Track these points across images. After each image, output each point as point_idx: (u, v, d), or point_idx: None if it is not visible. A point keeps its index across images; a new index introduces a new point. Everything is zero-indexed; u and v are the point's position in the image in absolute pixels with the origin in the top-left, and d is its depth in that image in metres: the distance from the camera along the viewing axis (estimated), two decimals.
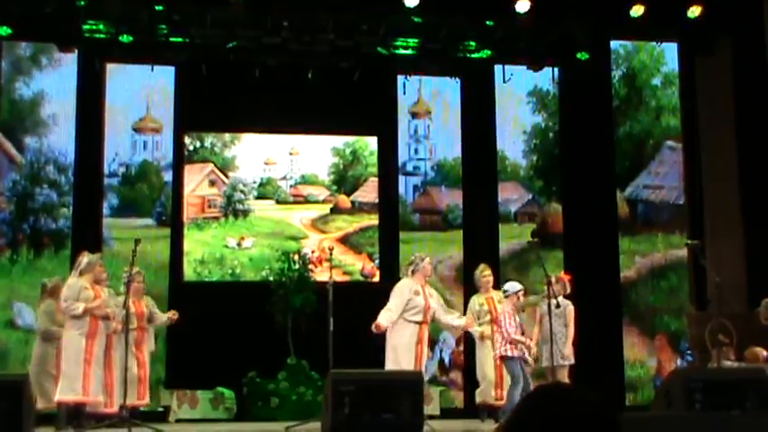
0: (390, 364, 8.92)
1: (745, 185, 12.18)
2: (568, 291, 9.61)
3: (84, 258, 9.32)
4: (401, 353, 8.99)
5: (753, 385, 7.56)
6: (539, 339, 9.38)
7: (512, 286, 9.37)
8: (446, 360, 12.58)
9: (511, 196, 13.12)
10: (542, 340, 9.36)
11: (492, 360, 9.74)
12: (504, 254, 12.71)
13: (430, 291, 9.42)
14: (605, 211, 12.75)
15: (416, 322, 9.17)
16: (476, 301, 10.18)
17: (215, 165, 12.60)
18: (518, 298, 9.25)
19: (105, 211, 12.18)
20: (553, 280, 9.36)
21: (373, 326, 9.08)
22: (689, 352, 12.10)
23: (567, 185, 12.97)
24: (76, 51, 11.88)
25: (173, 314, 10.13)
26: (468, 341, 12.33)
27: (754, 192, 12.07)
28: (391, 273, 11.79)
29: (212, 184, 12.58)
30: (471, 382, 11.83)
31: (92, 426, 8.98)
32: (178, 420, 10.95)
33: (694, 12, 11.76)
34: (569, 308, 9.49)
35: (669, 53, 13.25)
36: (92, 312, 9.05)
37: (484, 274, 10.19)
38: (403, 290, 9.15)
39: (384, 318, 9.06)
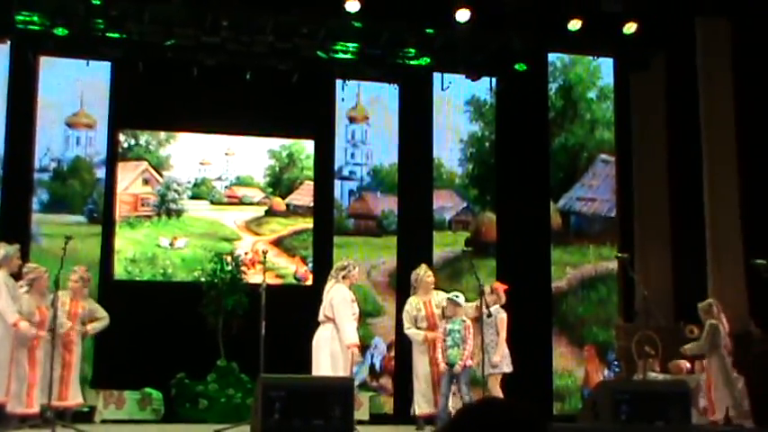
0: (326, 370, 8.87)
1: (675, 200, 12.39)
2: (503, 300, 9.69)
3: (1, 250, 9.06)
4: (340, 360, 8.96)
5: (676, 397, 7.74)
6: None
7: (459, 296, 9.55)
8: (377, 365, 12.59)
9: (446, 204, 13.18)
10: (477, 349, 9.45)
11: (429, 366, 9.70)
12: (438, 261, 12.74)
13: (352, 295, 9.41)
14: (538, 221, 12.88)
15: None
16: (413, 303, 9.92)
17: (149, 163, 12.47)
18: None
19: (35, 206, 11.99)
20: (487, 289, 9.45)
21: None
22: (616, 363, 12.29)
23: (501, 195, 13.06)
24: (8, 43, 11.68)
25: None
26: (399, 346, 12.38)
27: (684, 207, 12.27)
28: (324, 277, 11.67)
29: (146, 182, 12.46)
30: (401, 388, 11.89)
31: (14, 426, 8.82)
32: (104, 421, 10.80)
33: (630, 28, 11.98)
34: (500, 316, 9.56)
35: (605, 68, 13.44)
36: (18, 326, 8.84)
37: (428, 274, 9.98)
38: (347, 298, 9.10)
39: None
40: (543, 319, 12.59)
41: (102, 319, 10.11)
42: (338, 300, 8.97)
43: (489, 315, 9.13)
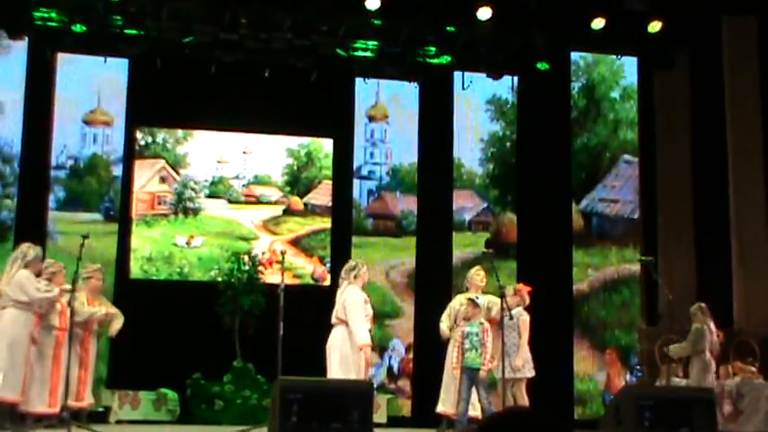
0: (336, 373, 8.77)
1: (700, 202, 12.30)
2: (527, 302, 9.60)
3: (31, 251, 9.09)
4: (350, 362, 8.89)
5: (701, 404, 7.62)
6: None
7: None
8: (395, 367, 12.56)
9: (466, 204, 13.14)
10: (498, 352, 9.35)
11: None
12: (457, 262, 12.69)
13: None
14: (560, 222, 12.82)
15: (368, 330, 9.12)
16: (458, 300, 9.86)
17: (166, 161, 12.50)
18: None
19: (51, 204, 12.01)
20: (510, 291, 9.36)
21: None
22: (638, 367, 12.19)
23: (522, 195, 13.01)
24: (27, 39, 11.69)
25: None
26: (418, 348, 12.33)
27: (708, 208, 12.18)
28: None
29: (163, 180, 12.47)
30: (420, 391, 11.86)
31: (29, 426, 8.79)
32: (119, 421, 10.81)
33: (654, 27, 11.87)
34: (523, 318, 9.48)
35: (629, 67, 13.35)
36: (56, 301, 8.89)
37: (477, 273, 9.88)
38: (359, 299, 9.03)
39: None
40: (564, 322, 12.53)
41: (118, 316, 10.05)
42: (351, 301, 8.88)
43: (511, 317, 9.03)
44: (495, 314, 9.47)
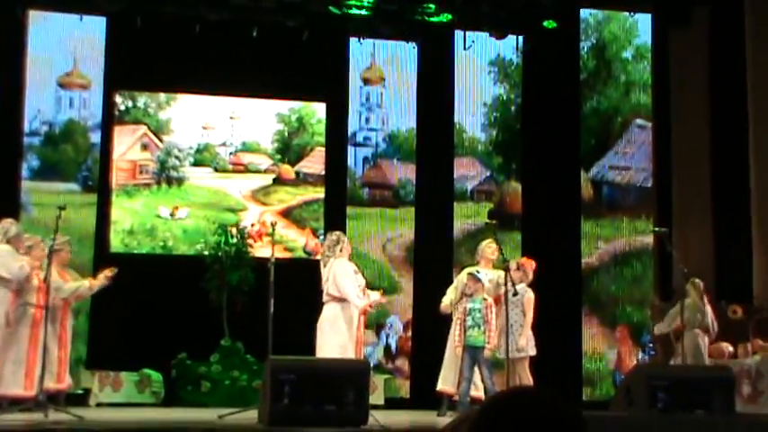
0: (334, 353, 8.82)
1: (718, 169, 12.29)
2: (531, 278, 9.61)
3: (13, 227, 9.14)
4: (347, 340, 8.93)
5: (719, 384, 7.65)
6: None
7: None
8: (392, 346, 12.60)
9: (468, 173, 13.14)
10: (500, 330, 9.39)
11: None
12: (459, 234, 12.73)
13: None
14: (568, 192, 12.81)
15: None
16: (465, 274, 9.80)
17: (148, 127, 12.43)
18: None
19: (24, 173, 11.94)
20: (513, 266, 9.38)
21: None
22: (651, 345, 12.24)
23: (527, 163, 12.99)
24: None
25: (109, 271, 9.78)
26: (416, 326, 12.37)
27: (727, 176, 12.19)
28: None
29: (144, 147, 12.41)
30: (419, 371, 11.91)
31: (4, 410, 8.80)
32: (99, 404, 10.80)
33: None
34: (528, 295, 9.50)
35: (642, 24, 13.28)
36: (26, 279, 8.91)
37: (490, 246, 9.88)
38: (349, 270, 9.08)
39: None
40: (572, 298, 12.54)
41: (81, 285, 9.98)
42: (341, 273, 8.98)
43: (515, 293, 9.05)
44: (496, 290, 9.52)
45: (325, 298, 9.05)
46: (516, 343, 9.24)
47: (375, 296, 9.40)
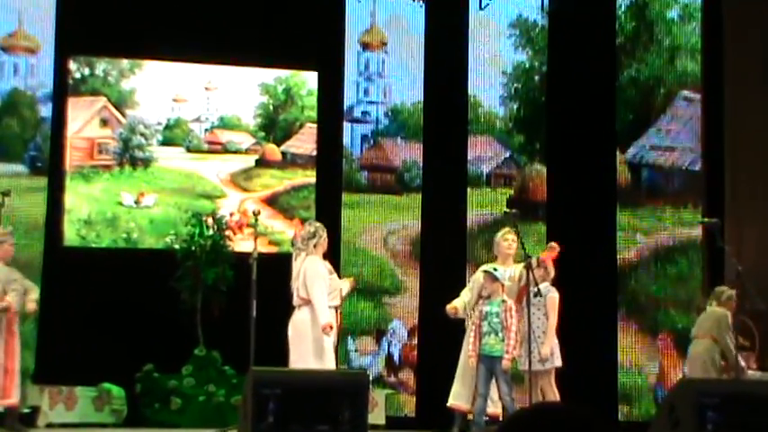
0: (309, 363, 8.80)
1: None
2: (552, 275, 9.56)
3: None
4: (327, 348, 8.95)
5: None
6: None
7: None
8: (395, 356, 12.60)
9: (484, 154, 13.13)
10: (521, 337, 9.34)
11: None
12: (473, 226, 12.74)
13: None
14: (601, 176, 12.79)
15: (334, 307, 9.20)
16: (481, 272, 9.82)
17: (108, 99, 12.42)
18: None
19: None
20: (534, 262, 9.35)
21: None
22: None
23: (553, 142, 12.98)
24: None
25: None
26: (423, 332, 12.37)
27: None
28: (330, 243, 11.76)
29: (104, 123, 12.40)
30: (426, 384, 11.98)
31: None
32: (50, 425, 10.81)
33: None
34: (551, 295, 9.48)
35: None
36: None
37: (505, 237, 9.91)
38: (322, 272, 9.08)
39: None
40: (606, 301, 12.54)
41: (32, 290, 9.95)
42: (312, 275, 9.00)
43: (537, 294, 9.03)
44: (516, 290, 9.52)
45: (295, 300, 9.06)
46: (539, 352, 9.20)
47: (344, 285, 9.52)
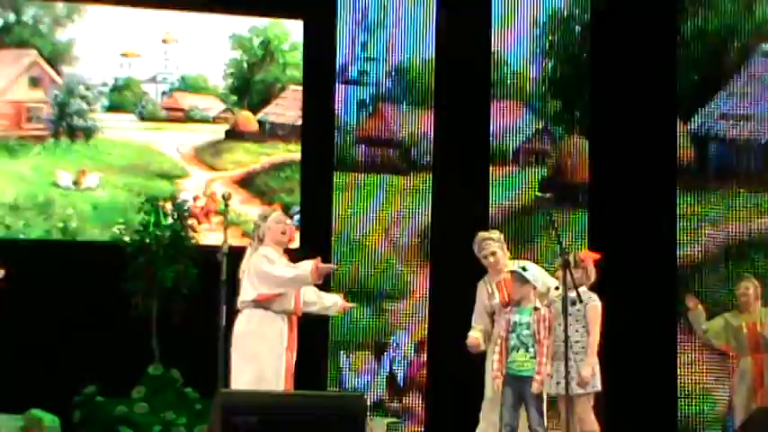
0: (248, 381, 8.69)
1: None
2: (593, 279, 9.45)
3: None
4: (262, 363, 8.83)
5: None
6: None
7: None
8: (399, 376, 12.65)
9: (510, 124, 13.16)
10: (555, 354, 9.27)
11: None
12: (498, 213, 12.77)
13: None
14: (657, 152, 12.79)
15: (283, 313, 8.99)
16: (483, 287, 9.72)
17: (40, 53, 12.46)
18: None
19: None
20: (571, 259, 9.24)
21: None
22: None
23: (598, 110, 13.02)
24: None
25: None
26: (435, 347, 12.35)
27: None
28: (319, 235, 11.75)
29: (35, 83, 12.44)
30: (438, 411, 12.05)
31: None
32: None
33: None
34: (592, 304, 9.32)
35: None
36: None
37: (489, 241, 9.63)
38: (271, 257, 8.94)
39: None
40: (662, 310, 12.50)
41: None
42: (259, 263, 8.85)
43: (578, 301, 8.95)
44: (556, 296, 9.40)
45: (239, 303, 8.94)
46: (578, 373, 9.12)
47: (329, 300, 9.42)
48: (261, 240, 9.04)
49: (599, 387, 9.33)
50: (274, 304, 8.87)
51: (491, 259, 9.59)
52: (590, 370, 9.19)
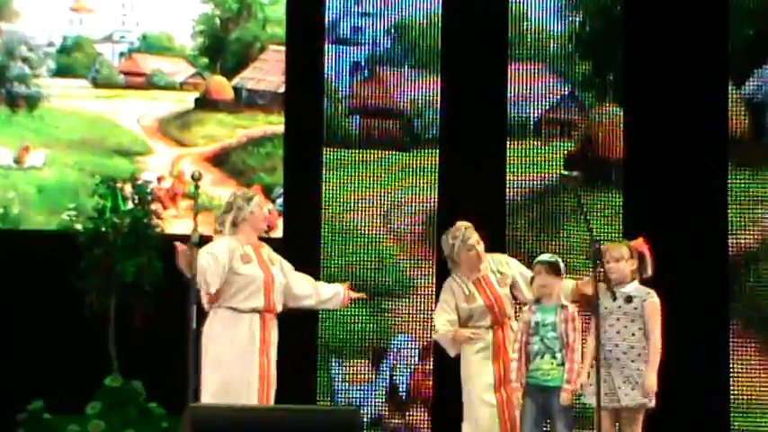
0: (212, 392, 8.77)
1: None
2: (650, 272, 9.39)
3: None
4: (229, 371, 8.88)
5: None
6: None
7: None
8: (401, 386, 12.68)
9: (531, 90, 13.11)
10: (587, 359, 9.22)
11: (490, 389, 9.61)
12: (515, 196, 12.75)
13: (270, 254, 9.37)
14: (705, 122, 12.70)
15: (253, 311, 9.03)
16: (457, 287, 9.80)
17: None
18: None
19: None
20: (620, 251, 9.22)
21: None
22: None
23: (634, 74, 12.94)
24: None
25: None
26: (441, 352, 12.22)
27: None
28: (306, 222, 11.69)
29: None
30: (445, 429, 11.86)
31: None
32: None
33: None
34: (650, 300, 9.31)
35: None
36: None
37: (468, 236, 9.76)
38: (221, 253, 8.94)
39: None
40: (712, 308, 12.47)
41: None
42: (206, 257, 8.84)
43: (615, 297, 8.89)
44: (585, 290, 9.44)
45: (205, 303, 9.02)
46: (640, 383, 9.04)
47: (336, 291, 9.46)
48: (235, 225, 9.02)
49: (653, 403, 9.29)
50: (240, 302, 8.92)
51: (475, 251, 9.72)
52: (655, 378, 9.16)
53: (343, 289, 9.53)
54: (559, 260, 9.46)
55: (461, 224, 9.86)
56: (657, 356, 9.19)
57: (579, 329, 9.23)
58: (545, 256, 9.51)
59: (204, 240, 8.98)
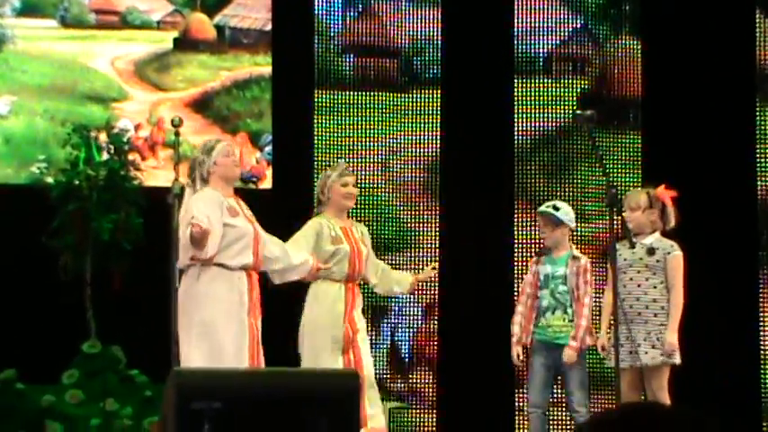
0: (200, 358, 8.77)
1: None
2: (673, 223, 9.57)
3: None
4: (218, 334, 8.89)
5: None
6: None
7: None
8: (403, 348, 12.82)
9: (539, 22, 13.17)
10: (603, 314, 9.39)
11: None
12: (525, 138, 12.87)
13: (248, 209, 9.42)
14: (730, 54, 12.77)
15: (242, 269, 9.06)
16: (326, 229, 9.80)
17: None
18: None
19: None
20: (639, 199, 9.45)
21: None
22: None
23: (651, 1, 13.10)
24: None
25: None
26: (446, 310, 12.39)
27: None
28: (297, 172, 11.96)
29: None
30: (453, 392, 12.21)
31: None
32: None
33: None
34: (674, 254, 9.46)
35: None
36: None
37: (347, 170, 9.96)
38: (207, 204, 8.88)
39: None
40: (740, 255, 12.60)
41: None
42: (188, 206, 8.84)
43: (633, 245, 9.02)
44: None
45: (180, 262, 8.92)
46: (660, 339, 9.20)
47: (304, 258, 9.37)
48: (205, 181, 9.00)
49: (678, 359, 9.43)
50: (230, 258, 8.91)
51: (352, 191, 9.82)
52: (676, 335, 9.30)
53: (311, 258, 9.41)
54: (562, 207, 9.65)
55: (341, 163, 10.11)
56: (679, 313, 9.36)
57: (592, 283, 9.42)
58: (544, 206, 9.75)
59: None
